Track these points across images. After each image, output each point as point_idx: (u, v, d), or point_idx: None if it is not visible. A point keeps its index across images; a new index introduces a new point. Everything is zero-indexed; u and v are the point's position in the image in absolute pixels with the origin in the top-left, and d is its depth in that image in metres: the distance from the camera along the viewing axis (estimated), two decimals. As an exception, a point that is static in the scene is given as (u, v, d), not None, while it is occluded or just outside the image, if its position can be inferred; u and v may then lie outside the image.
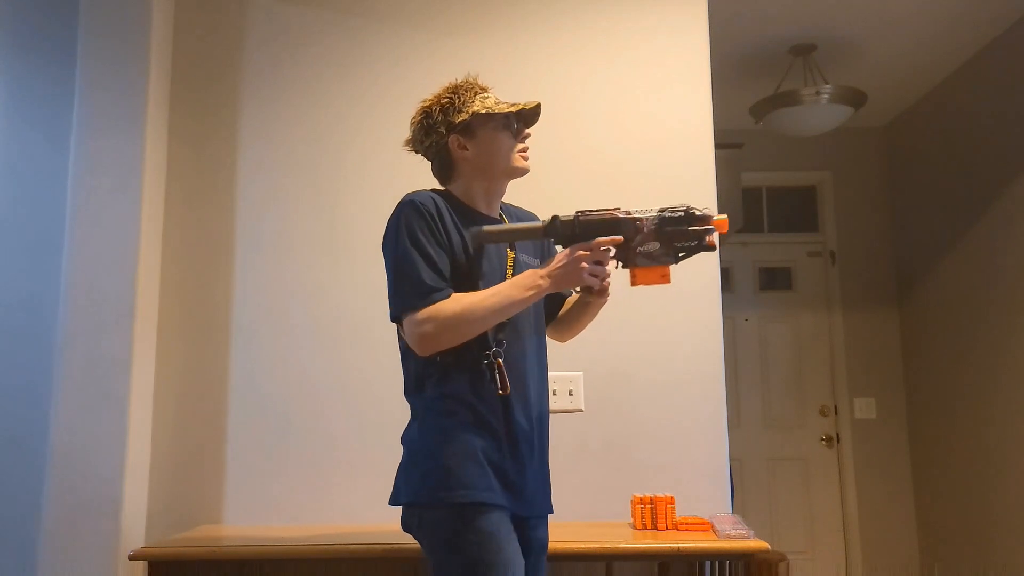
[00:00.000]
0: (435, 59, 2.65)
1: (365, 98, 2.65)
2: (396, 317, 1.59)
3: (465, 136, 1.69)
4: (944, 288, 4.07)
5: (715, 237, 1.61)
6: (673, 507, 2.22)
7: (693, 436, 2.47)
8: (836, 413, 4.52)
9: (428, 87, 2.60)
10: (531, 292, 1.56)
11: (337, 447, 2.47)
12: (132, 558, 2.06)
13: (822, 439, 4.51)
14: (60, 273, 2.42)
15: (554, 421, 2.49)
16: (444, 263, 1.58)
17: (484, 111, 1.68)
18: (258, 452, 2.47)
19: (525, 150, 1.73)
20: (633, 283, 1.63)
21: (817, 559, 4.41)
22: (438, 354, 1.58)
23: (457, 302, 1.55)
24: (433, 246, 1.57)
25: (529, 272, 1.59)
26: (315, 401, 2.50)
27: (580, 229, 1.58)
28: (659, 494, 2.25)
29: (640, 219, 1.59)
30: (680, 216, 1.59)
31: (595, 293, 1.67)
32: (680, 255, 1.61)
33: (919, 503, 4.35)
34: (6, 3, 2.67)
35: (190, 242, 2.57)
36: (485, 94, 1.73)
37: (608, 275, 1.61)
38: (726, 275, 4.56)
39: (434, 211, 1.60)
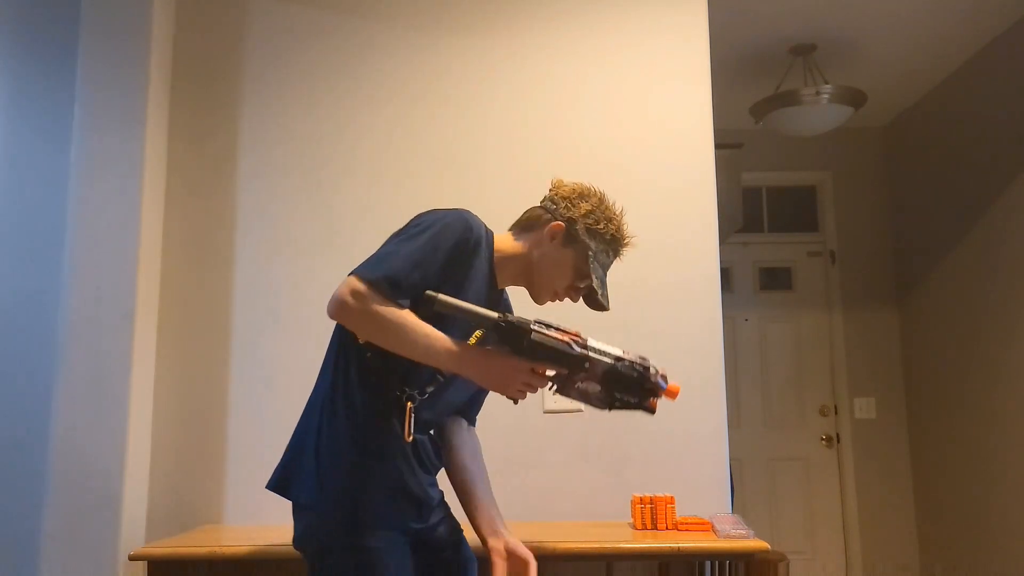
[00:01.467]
0: (435, 59, 2.65)
1: (365, 97, 2.65)
2: (354, 272, 1.51)
3: (561, 237, 1.63)
4: (944, 288, 4.07)
5: (658, 401, 1.53)
6: (673, 507, 2.22)
7: (693, 436, 2.47)
8: (836, 413, 4.52)
9: (428, 86, 2.64)
10: (457, 370, 1.50)
11: (337, 447, 2.46)
12: (132, 558, 2.06)
13: (822, 439, 4.51)
14: (61, 273, 2.42)
15: (554, 421, 2.51)
16: (429, 286, 1.49)
17: (580, 249, 1.62)
18: (258, 452, 2.47)
19: (555, 299, 1.68)
20: (553, 392, 1.55)
21: (817, 559, 4.41)
22: (368, 351, 1.53)
23: (399, 314, 1.47)
24: (437, 267, 1.50)
25: (468, 353, 1.50)
26: (315, 401, 2.49)
27: (527, 346, 1.48)
28: (659, 494, 2.24)
29: (592, 360, 1.49)
30: (633, 377, 1.50)
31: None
32: (615, 406, 1.53)
33: (919, 503, 4.35)
34: (6, 3, 2.67)
35: (190, 241, 2.57)
36: (615, 245, 1.66)
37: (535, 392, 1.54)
38: (726, 275, 4.56)
39: (472, 246, 1.55)
